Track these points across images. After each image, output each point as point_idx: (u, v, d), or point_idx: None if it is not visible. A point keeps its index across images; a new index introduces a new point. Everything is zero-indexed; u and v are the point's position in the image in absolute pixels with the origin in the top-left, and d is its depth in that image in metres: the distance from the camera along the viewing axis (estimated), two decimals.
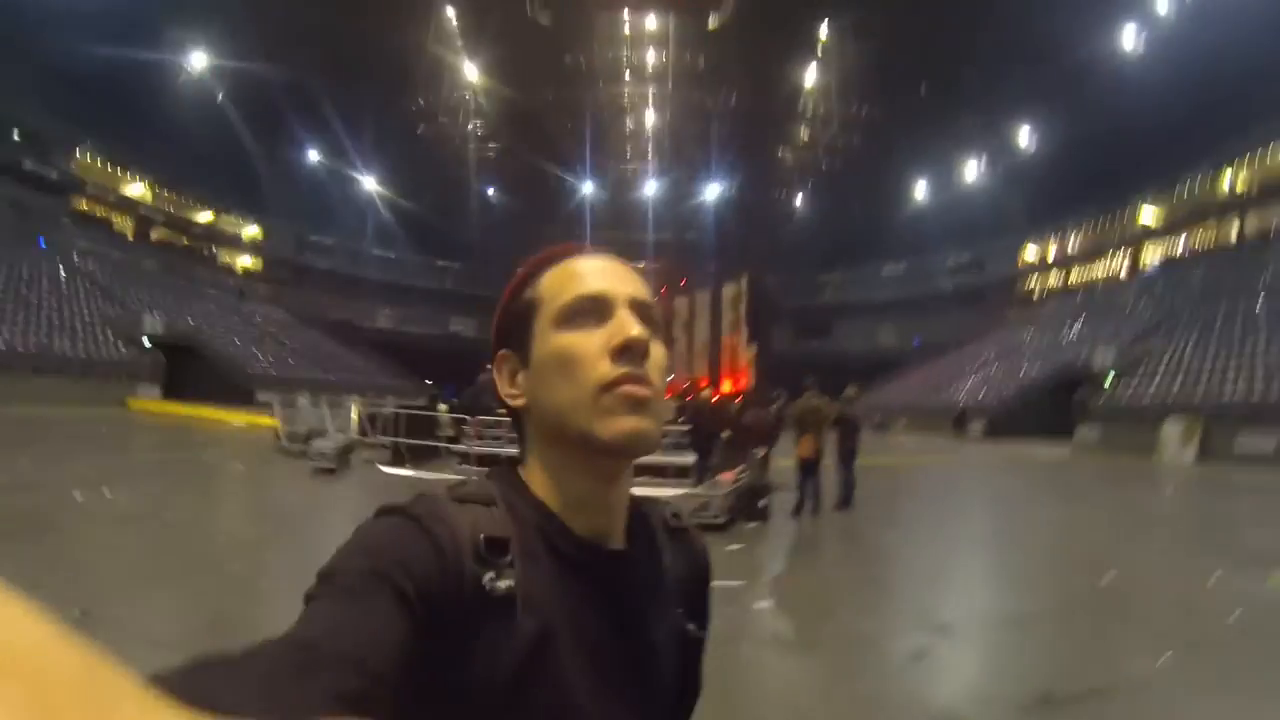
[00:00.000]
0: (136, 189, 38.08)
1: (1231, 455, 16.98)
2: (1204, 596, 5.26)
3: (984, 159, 44.96)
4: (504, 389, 0.69)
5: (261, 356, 31.42)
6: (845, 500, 8.64)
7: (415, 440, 11.12)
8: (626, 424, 0.62)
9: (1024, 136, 42.28)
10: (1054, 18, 33.21)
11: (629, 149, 49.11)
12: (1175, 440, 18.45)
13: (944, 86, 40.38)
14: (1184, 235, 35.88)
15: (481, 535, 0.56)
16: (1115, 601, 5.20)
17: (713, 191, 48.21)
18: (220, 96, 37.40)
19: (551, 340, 0.66)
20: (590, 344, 0.65)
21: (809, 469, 8.09)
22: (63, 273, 27.97)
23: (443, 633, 0.51)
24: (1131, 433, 20.32)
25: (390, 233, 47.23)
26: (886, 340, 47.42)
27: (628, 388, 0.63)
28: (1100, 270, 40.42)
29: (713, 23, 41.30)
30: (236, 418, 18.73)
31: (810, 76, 44.06)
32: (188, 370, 26.44)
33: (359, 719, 0.39)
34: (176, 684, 0.26)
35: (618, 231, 47.61)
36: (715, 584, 0.75)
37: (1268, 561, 6.11)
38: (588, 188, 48.24)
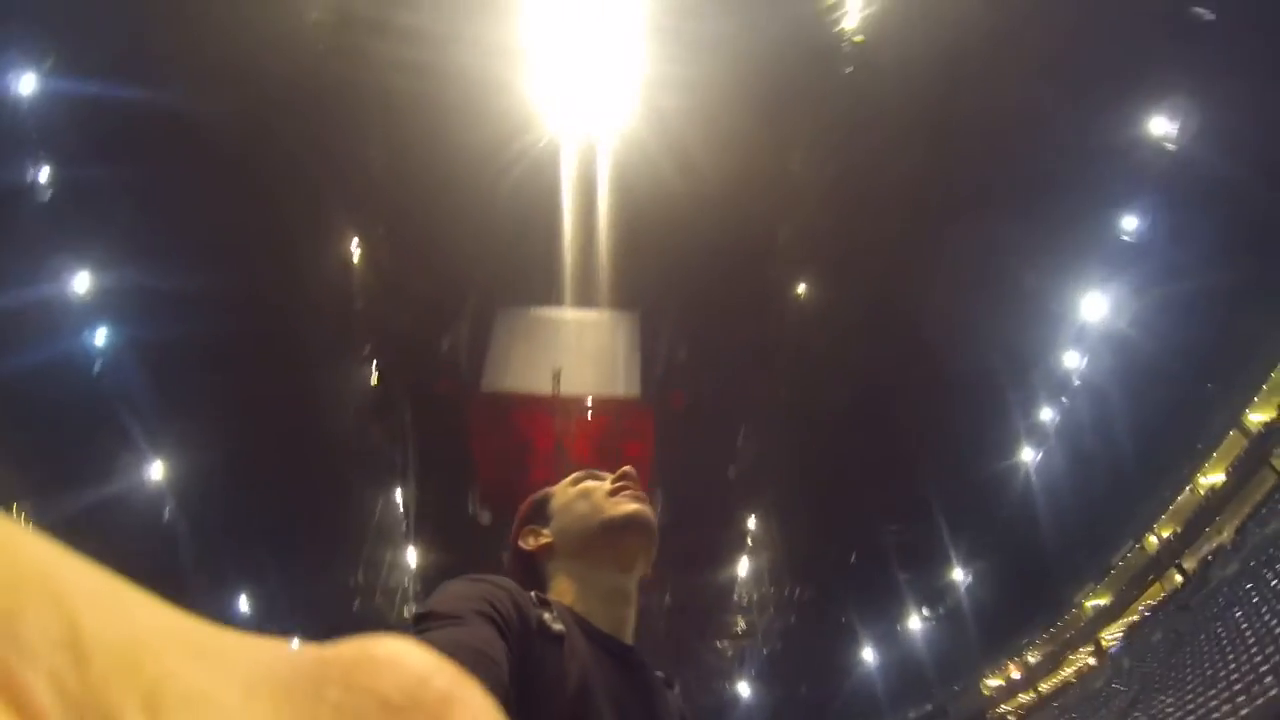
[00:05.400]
0: None
1: None
2: None
3: (923, 607, 45.30)
4: (528, 544, 0.86)
5: None
6: None
7: None
8: (633, 506, 0.82)
9: (956, 575, 43.36)
10: (957, 470, 35.15)
11: None
12: None
13: (870, 550, 41.50)
14: (1132, 605, 35.67)
15: (533, 592, 0.71)
16: None
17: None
18: None
19: (570, 490, 0.86)
20: (600, 483, 0.87)
21: None
22: None
23: (524, 659, 0.61)
24: None
25: None
26: None
27: (629, 485, 0.84)
28: (1067, 670, 38.86)
29: None
30: None
31: (742, 567, 45.64)
32: None
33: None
34: None
35: None
36: None
37: None
38: None
